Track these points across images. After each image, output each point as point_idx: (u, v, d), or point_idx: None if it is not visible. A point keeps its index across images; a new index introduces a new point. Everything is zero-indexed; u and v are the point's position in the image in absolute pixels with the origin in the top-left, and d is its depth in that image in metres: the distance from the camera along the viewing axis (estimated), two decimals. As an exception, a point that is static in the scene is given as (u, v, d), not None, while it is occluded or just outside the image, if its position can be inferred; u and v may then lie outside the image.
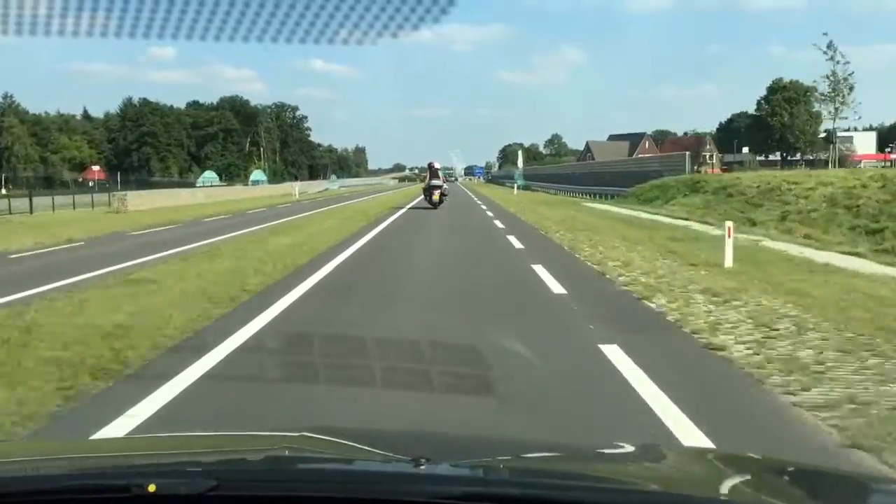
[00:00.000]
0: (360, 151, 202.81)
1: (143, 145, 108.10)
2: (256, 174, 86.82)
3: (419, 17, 2.98)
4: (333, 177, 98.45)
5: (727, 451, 1.98)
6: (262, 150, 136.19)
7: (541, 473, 1.48)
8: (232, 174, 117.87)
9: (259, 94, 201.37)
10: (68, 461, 1.59)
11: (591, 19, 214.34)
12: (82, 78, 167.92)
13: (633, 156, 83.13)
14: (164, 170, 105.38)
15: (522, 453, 1.77)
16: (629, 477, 1.52)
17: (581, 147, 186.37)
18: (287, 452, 1.53)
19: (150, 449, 1.84)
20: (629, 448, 1.88)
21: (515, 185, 50.66)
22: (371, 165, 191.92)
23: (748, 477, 1.54)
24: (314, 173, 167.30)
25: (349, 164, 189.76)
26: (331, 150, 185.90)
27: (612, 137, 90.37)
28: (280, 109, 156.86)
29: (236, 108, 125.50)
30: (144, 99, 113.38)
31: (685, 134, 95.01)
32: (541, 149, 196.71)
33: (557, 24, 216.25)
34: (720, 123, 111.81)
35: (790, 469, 1.75)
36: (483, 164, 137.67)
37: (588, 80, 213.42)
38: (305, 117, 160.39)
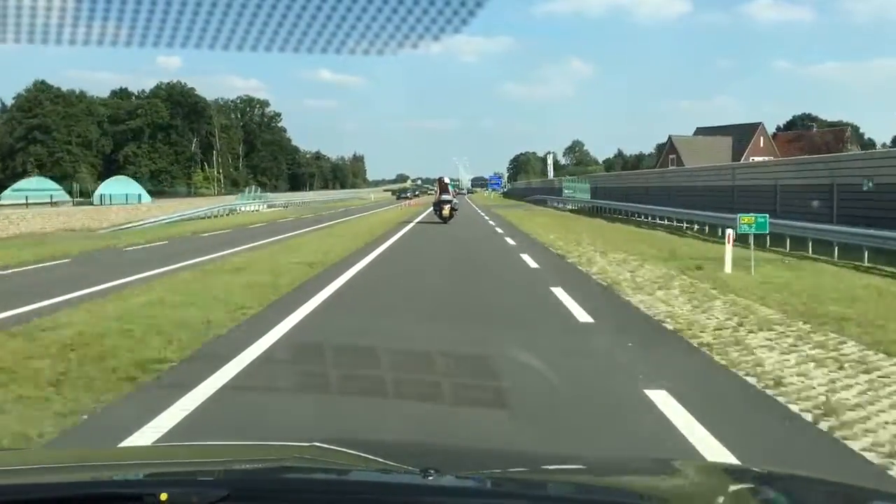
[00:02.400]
0: (357, 160, 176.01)
1: (32, 143, 76.45)
2: (111, 185, 51.97)
3: (440, 28, 2.81)
4: (251, 189, 64.94)
5: (743, 465, 1.88)
6: (214, 152, 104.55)
7: (549, 486, 1.47)
8: (162, 183, 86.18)
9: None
10: (81, 470, 1.58)
11: (597, 32, 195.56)
12: (85, 87, 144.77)
13: (745, 157, 51.02)
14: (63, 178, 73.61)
15: (531, 466, 1.74)
16: (639, 490, 1.47)
17: (602, 156, 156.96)
18: (297, 463, 1.51)
19: (161, 458, 1.81)
20: (640, 461, 1.89)
21: (729, 231, 11.17)
22: (373, 176, 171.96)
23: (762, 491, 1.50)
24: (298, 183, 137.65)
25: (345, 173, 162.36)
26: (319, 156, 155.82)
27: (702, 131, 58.03)
28: (246, 104, 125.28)
29: (175, 97, 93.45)
30: (43, 82, 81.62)
31: (810, 126, 62.77)
32: (559, 157, 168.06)
33: (565, 37, 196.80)
34: (778, 127, 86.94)
35: (806, 483, 1.70)
36: (491, 174, 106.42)
37: (596, 92, 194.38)
38: (278, 115, 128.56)
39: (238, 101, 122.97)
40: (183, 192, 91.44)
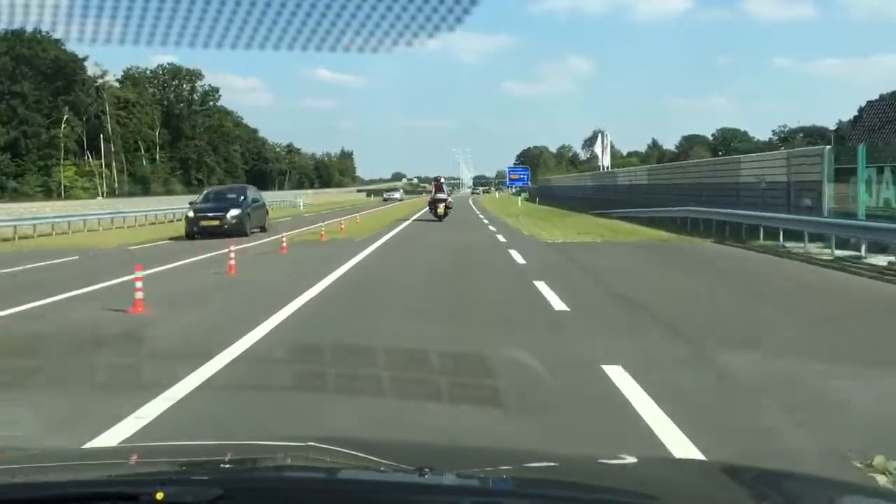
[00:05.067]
0: (346, 156, 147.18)
1: None
2: None
3: (434, 26, 2.81)
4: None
5: (740, 464, 1.76)
6: (102, 138, 71.00)
7: (545, 485, 1.45)
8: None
9: (264, 102, 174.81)
10: (75, 468, 1.56)
11: (597, 29, 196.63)
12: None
13: None
14: None
15: (527, 464, 1.70)
16: (635, 489, 1.44)
17: (626, 149, 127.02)
18: (293, 462, 1.51)
19: (156, 457, 1.76)
20: (632, 460, 1.89)
21: None
22: (369, 174, 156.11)
23: (759, 490, 1.48)
24: (265, 182, 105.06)
25: (330, 171, 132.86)
26: (291, 150, 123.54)
27: None
28: (169, 76, 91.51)
29: (20, 53, 59.51)
30: None
31: None
32: (577, 151, 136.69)
33: (564, 34, 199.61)
34: (862, 104, 56.06)
35: (802, 482, 1.66)
36: (511, 167, 72.39)
37: (598, 90, 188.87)
38: (215, 91, 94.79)
39: (159, 72, 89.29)
40: (28, 192, 58.48)
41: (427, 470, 1.28)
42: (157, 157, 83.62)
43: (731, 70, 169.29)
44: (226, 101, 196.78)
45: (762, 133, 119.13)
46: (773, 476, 1.61)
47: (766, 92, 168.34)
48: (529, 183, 53.27)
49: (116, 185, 71.62)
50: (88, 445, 3.30)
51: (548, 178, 55.81)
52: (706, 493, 1.47)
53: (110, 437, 3.49)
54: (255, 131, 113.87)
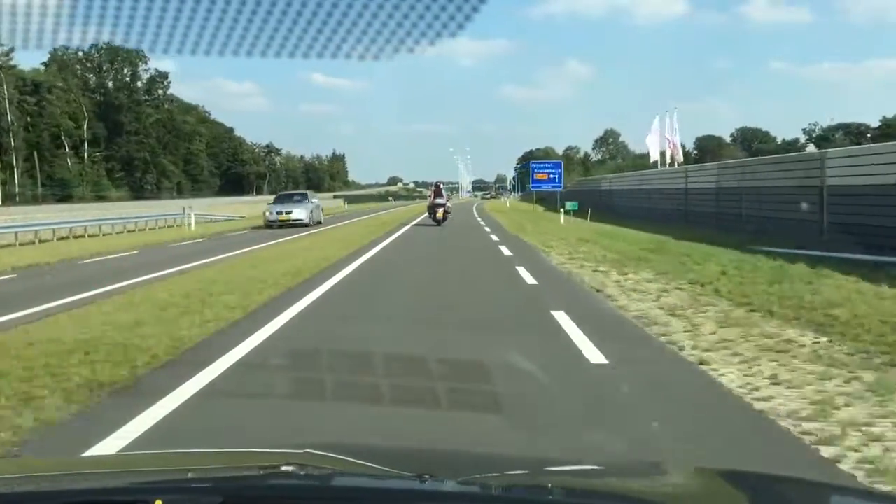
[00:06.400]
0: (337, 159, 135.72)
1: None
2: None
3: (436, 33, 2.87)
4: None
5: (740, 470, 1.77)
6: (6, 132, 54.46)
7: (545, 490, 1.44)
8: None
9: (260, 107, 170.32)
10: (73, 477, 1.55)
11: (596, 33, 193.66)
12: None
13: None
14: None
15: (527, 470, 1.71)
16: (633, 493, 1.45)
17: (640, 148, 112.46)
18: (291, 469, 1.46)
19: (154, 465, 1.78)
20: (632, 464, 1.83)
21: None
22: (365, 179, 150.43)
23: (758, 495, 1.48)
24: (241, 187, 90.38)
25: (320, 174, 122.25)
26: (271, 151, 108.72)
27: None
28: (107, 57, 75.04)
29: None
30: None
31: None
32: (590, 151, 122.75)
33: (563, 38, 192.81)
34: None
35: (800, 486, 1.67)
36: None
37: (597, 93, 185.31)
38: (164, 77, 78.40)
39: (93, 53, 72.75)
40: None
41: (427, 476, 1.26)
42: (86, 155, 67.21)
43: (730, 73, 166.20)
44: (221, 106, 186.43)
45: (772, 133, 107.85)
46: (775, 481, 1.57)
47: (766, 94, 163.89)
48: (562, 186, 36.93)
49: (17, 189, 55.35)
50: (88, 454, 3.33)
51: (595, 178, 38.60)
52: (707, 498, 1.42)
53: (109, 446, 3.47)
54: (231, 130, 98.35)
